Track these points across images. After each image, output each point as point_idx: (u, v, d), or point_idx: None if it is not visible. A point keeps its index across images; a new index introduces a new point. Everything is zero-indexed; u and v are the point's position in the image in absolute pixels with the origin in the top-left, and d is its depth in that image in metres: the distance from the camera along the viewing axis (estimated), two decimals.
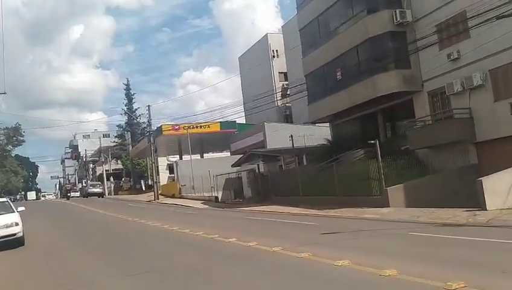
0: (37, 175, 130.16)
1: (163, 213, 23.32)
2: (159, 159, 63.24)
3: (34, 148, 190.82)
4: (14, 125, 35.33)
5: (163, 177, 62.64)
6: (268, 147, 37.32)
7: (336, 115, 26.07)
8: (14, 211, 13.83)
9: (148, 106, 37.85)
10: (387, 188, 17.61)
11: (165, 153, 54.39)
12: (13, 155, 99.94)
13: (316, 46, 26.16)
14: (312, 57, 26.58)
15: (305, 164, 28.20)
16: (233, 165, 34.77)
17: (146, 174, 63.80)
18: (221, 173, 33.30)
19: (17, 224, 13.02)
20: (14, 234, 12.89)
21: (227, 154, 51.73)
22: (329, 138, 28.12)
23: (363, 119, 25.75)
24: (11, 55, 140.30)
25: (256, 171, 28.12)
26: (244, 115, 48.34)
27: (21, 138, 35.82)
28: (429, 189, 17.67)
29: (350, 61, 23.56)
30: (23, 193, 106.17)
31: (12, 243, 12.95)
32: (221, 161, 40.98)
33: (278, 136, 38.11)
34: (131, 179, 62.22)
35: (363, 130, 26.99)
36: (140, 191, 57.17)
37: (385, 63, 21.51)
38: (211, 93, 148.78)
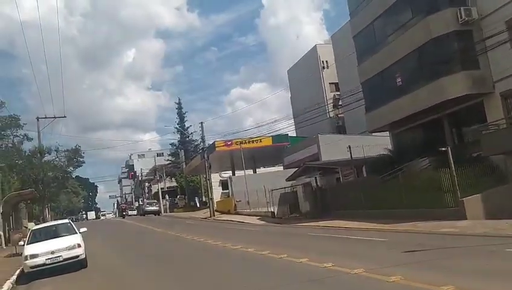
0: (96, 195, 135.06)
1: (222, 231, 22.77)
2: (212, 175, 63.72)
3: (93, 168, 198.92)
4: (74, 147, 36.62)
5: (217, 193, 62.65)
6: (323, 160, 36.23)
7: (397, 122, 24.64)
8: (76, 233, 13.73)
9: (201, 122, 37.99)
10: (463, 199, 16.10)
11: (218, 169, 54.42)
12: (74, 177, 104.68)
13: (372, 52, 25.02)
14: (368, 63, 25.44)
15: (364, 175, 26.91)
16: (287, 179, 33.87)
17: (200, 191, 64.25)
18: (276, 187, 32.49)
19: (79, 246, 12.86)
20: (77, 256, 12.72)
21: (279, 168, 50.96)
22: (390, 147, 26.74)
23: (426, 126, 24.17)
24: (69, 81, 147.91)
25: (314, 184, 27.02)
26: (294, 128, 47.44)
27: (81, 159, 37.04)
28: (510, 199, 16.03)
29: (411, 65, 22.24)
30: (84, 212, 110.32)
31: (75, 265, 12.76)
32: (274, 175, 40.22)
33: (333, 148, 36.82)
34: (185, 197, 62.70)
35: (427, 138, 25.31)
36: (195, 208, 57.39)
37: (451, 65, 20.01)
38: (258, 108, 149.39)
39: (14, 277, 12.47)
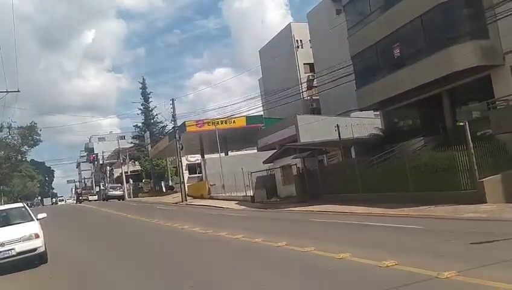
0: (53, 180, 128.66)
1: (203, 217, 20.20)
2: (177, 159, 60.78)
3: (49, 152, 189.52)
4: (29, 124, 32.70)
5: (184, 178, 60.01)
6: (301, 141, 34.35)
7: (389, 100, 22.81)
8: (32, 219, 10.94)
9: (172, 99, 35.05)
10: (483, 179, 14.38)
11: (184, 152, 50.83)
12: (28, 160, 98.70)
13: (366, 22, 23.01)
14: (361, 34, 23.40)
15: (353, 157, 25.08)
16: (265, 162, 31.81)
17: (166, 175, 61.23)
18: (251, 170, 30.31)
19: (37, 236, 10.09)
20: (35, 249, 9.97)
21: (251, 151, 48.92)
22: (380, 127, 25.04)
23: (422, 104, 22.51)
24: (24, 61, 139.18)
25: (299, 166, 24.94)
26: (262, 111, 45.13)
27: (37, 137, 33.20)
28: None
29: (413, 34, 20.36)
30: (39, 198, 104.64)
31: (32, 260, 10.05)
32: (249, 157, 38.06)
33: (312, 130, 35.16)
34: (151, 181, 59.54)
35: (423, 117, 23.82)
36: (161, 193, 54.51)
37: (459, 34, 18.21)
38: (222, 93, 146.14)
39: None
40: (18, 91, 33.99)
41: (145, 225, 18.28)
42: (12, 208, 11.94)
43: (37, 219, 11.07)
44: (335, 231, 11.64)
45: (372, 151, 21.85)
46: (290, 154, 29.87)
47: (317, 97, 52.71)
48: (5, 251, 9.57)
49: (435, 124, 21.60)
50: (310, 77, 53.61)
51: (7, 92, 33.70)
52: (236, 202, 28.62)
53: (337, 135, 29.29)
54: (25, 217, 11.03)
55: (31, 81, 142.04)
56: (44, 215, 11.53)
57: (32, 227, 10.38)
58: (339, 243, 9.11)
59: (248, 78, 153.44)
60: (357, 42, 23.83)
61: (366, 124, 30.91)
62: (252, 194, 28.78)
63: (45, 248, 10.33)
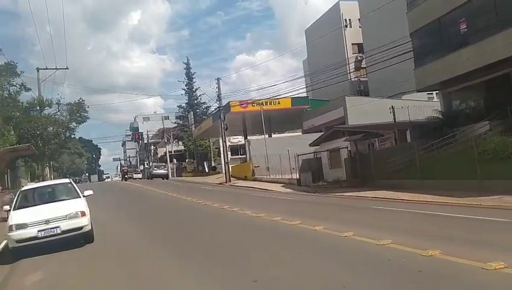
0: (99, 157, 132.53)
1: (251, 199, 19.40)
2: (220, 140, 60.41)
3: (96, 131, 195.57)
4: (77, 101, 33.10)
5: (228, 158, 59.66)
6: (349, 124, 32.91)
7: (453, 80, 20.99)
8: (79, 196, 10.48)
9: (218, 78, 34.21)
10: None
11: (227, 133, 50.29)
12: (77, 138, 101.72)
13: None
14: (423, 9, 21.59)
15: (408, 141, 23.53)
16: (311, 145, 30.63)
17: (209, 156, 61.18)
18: (297, 153, 29.26)
19: (83, 214, 9.60)
20: (80, 228, 9.49)
21: (296, 133, 47.79)
22: (439, 109, 23.30)
23: (488, 85, 20.64)
24: (73, 41, 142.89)
25: (350, 150, 23.67)
26: (306, 91, 43.60)
27: (85, 114, 33.50)
28: None
29: (482, 8, 18.46)
30: (87, 174, 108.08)
31: (77, 239, 9.58)
32: (294, 139, 36.96)
33: (361, 112, 33.59)
34: (194, 161, 59.63)
35: (488, 99, 21.89)
36: (204, 173, 54.44)
37: None
38: (264, 75, 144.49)
39: None
40: (67, 68, 34.46)
41: (193, 205, 17.60)
42: (58, 184, 11.56)
43: (84, 196, 10.62)
44: (407, 222, 10.33)
45: (431, 136, 20.32)
46: (338, 137, 28.59)
47: (366, 79, 50.80)
48: (50, 228, 9.12)
49: (501, 107, 19.75)
50: (358, 58, 51.54)
51: (56, 69, 34.29)
52: (282, 184, 27.75)
53: (390, 118, 27.80)
54: (71, 194, 10.59)
55: (79, 61, 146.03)
56: (90, 192, 11.03)
57: (79, 204, 9.91)
58: (418, 236, 7.94)
59: (290, 60, 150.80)
60: (417, 18, 22.05)
61: (421, 106, 29.13)
62: (297, 177, 27.79)
63: (91, 227, 9.84)
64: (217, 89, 33.60)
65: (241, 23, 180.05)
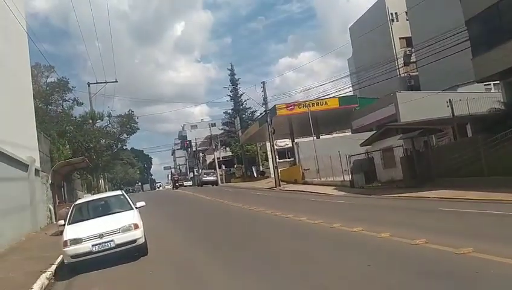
0: (151, 166, 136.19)
1: (305, 204, 18.71)
2: (267, 144, 60.02)
3: (147, 141, 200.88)
4: (127, 112, 33.80)
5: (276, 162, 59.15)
6: (402, 121, 31.50)
7: None
8: (132, 208, 10.31)
9: (263, 82, 33.85)
10: None
11: (274, 137, 49.84)
12: (129, 148, 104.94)
13: None
14: None
15: (469, 135, 22.08)
16: (362, 145, 29.45)
17: (257, 160, 60.99)
18: (348, 153, 28.25)
19: (137, 226, 9.38)
20: (134, 241, 9.26)
21: (344, 134, 46.64)
22: (501, 100, 21.71)
23: None
24: (121, 56, 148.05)
25: (406, 148, 22.47)
26: (352, 90, 42.30)
27: (135, 125, 34.15)
28: None
29: None
30: (140, 184, 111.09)
31: (131, 252, 9.36)
32: (344, 140, 35.88)
33: (414, 108, 32.10)
34: (242, 166, 59.62)
35: None
36: (252, 178, 54.27)
37: None
38: (308, 77, 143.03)
39: (53, 268, 9.23)
40: (116, 81, 35.30)
41: (246, 213, 16.95)
42: (110, 197, 11.47)
43: (136, 208, 10.43)
44: (481, 225, 9.28)
45: (494, 129, 18.87)
46: (391, 136, 27.35)
47: (416, 73, 48.79)
48: (104, 242, 8.96)
49: None
50: (407, 52, 49.69)
51: (106, 82, 35.22)
52: (334, 187, 26.87)
53: (446, 112, 26.28)
54: (124, 206, 10.44)
55: (128, 75, 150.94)
56: (143, 203, 10.81)
57: (132, 216, 9.72)
58: (500, 242, 7.09)
59: (334, 60, 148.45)
60: (473, 4, 20.67)
61: (479, 98, 27.39)
62: (350, 179, 26.82)
63: (145, 239, 9.61)
64: (262, 93, 33.20)
65: (282, 26, 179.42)
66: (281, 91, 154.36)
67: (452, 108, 21.95)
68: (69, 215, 10.26)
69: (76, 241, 8.98)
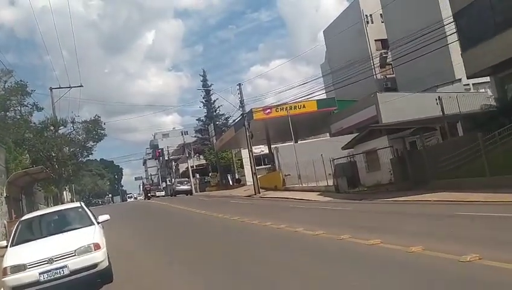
0: (122, 177, 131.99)
1: (293, 212, 16.92)
2: (242, 151, 58.23)
3: (117, 152, 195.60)
4: (93, 118, 31.27)
5: (247, 169, 57.34)
6: (383, 122, 30.43)
7: (508, 62, 18.41)
8: (92, 223, 8.33)
9: (239, 84, 32.15)
10: None
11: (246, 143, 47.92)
12: (96, 158, 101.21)
13: None
14: None
15: (460, 134, 20.97)
16: (344, 148, 28.24)
17: (232, 168, 59.10)
18: (328, 157, 26.86)
19: (97, 247, 7.36)
20: (95, 265, 7.25)
21: (322, 138, 45.50)
22: (491, 96, 20.77)
23: None
24: (91, 66, 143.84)
25: (397, 149, 21.17)
26: (325, 92, 41.12)
27: (102, 132, 31.56)
28: None
29: None
30: (110, 195, 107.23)
31: (90, 280, 7.37)
32: (324, 144, 34.59)
33: (394, 109, 31.16)
34: (218, 174, 57.61)
35: None
36: (228, 186, 52.34)
37: None
38: (279, 85, 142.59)
39: None
40: (81, 86, 32.90)
41: (230, 224, 14.88)
42: (66, 209, 9.32)
43: (98, 223, 8.46)
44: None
45: (486, 127, 17.80)
46: (374, 138, 26.24)
47: (392, 75, 48.26)
48: (55, 269, 6.94)
49: None
50: (383, 54, 49.07)
51: (70, 87, 32.77)
52: (318, 193, 25.33)
53: (428, 113, 25.34)
54: (83, 221, 8.42)
55: (97, 84, 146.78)
56: (106, 217, 8.81)
57: (91, 234, 7.70)
58: None
59: (305, 68, 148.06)
60: None
61: (465, 96, 26.58)
62: (335, 184, 25.36)
63: (109, 262, 7.65)
64: (236, 98, 31.52)
65: (252, 35, 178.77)
66: (253, 98, 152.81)
67: (442, 106, 20.79)
68: (12, 234, 8.18)
69: (18, 268, 6.95)
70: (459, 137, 20.23)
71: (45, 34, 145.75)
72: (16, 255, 7.31)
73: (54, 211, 9.29)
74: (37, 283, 6.89)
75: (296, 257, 7.90)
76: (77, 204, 9.46)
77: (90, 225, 8.22)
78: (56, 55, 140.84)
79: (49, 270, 6.93)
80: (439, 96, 21.68)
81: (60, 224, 8.48)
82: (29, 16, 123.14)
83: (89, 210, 8.97)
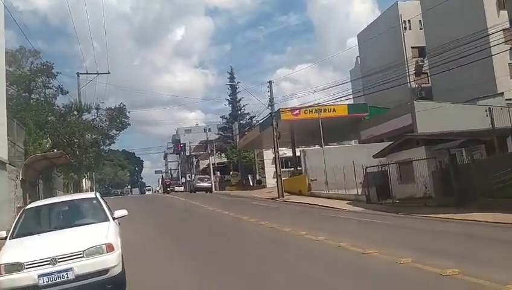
0: (142, 170, 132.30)
1: (327, 221, 15.38)
2: (264, 152, 56.93)
3: (139, 144, 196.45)
4: (118, 106, 30.34)
5: (269, 172, 55.96)
6: (419, 132, 28.72)
7: None
8: (107, 219, 7.10)
9: (270, 81, 30.76)
10: None
11: (270, 144, 46.33)
12: (118, 148, 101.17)
13: None
14: None
15: (510, 150, 19.19)
16: (375, 156, 26.70)
17: (254, 168, 57.88)
18: (358, 164, 25.38)
19: (111, 248, 6.10)
20: (106, 271, 5.99)
21: (354, 144, 43.96)
22: None
23: None
24: (121, 56, 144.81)
25: (440, 161, 19.50)
26: (352, 98, 39.34)
27: (125, 120, 30.58)
28: None
29: None
30: (129, 187, 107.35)
31: (102, 285, 6.11)
32: (354, 150, 33.10)
33: (431, 119, 29.46)
34: (239, 173, 56.44)
35: None
36: (249, 187, 51.09)
37: None
38: (305, 89, 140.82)
39: None
40: (108, 73, 32.16)
41: (256, 229, 13.24)
42: (79, 200, 8.01)
43: (114, 218, 7.23)
44: None
45: None
46: (409, 148, 24.69)
47: (428, 85, 46.29)
48: (57, 272, 5.72)
49: None
50: (419, 62, 47.14)
51: (98, 73, 32.06)
52: (347, 201, 23.83)
53: (467, 126, 23.73)
54: (97, 215, 7.18)
55: (125, 76, 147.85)
56: (124, 212, 7.54)
57: (105, 232, 6.44)
58: None
59: (331, 74, 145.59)
60: None
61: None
62: (366, 193, 23.82)
63: (122, 268, 6.39)
64: (268, 94, 30.19)
65: (280, 37, 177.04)
66: (278, 99, 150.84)
67: (492, 118, 19.00)
68: (14, 224, 7.01)
69: (15, 267, 5.76)
70: (506, 153, 18.44)
71: (77, 24, 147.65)
72: (14, 250, 6.13)
73: (65, 201, 7.99)
74: (34, 287, 5.68)
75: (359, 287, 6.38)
76: (92, 194, 8.21)
77: (105, 221, 6.98)
78: (87, 46, 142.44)
79: (50, 273, 5.71)
80: (489, 108, 19.88)
81: (69, 217, 7.27)
82: (63, 5, 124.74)
83: (105, 202, 7.74)
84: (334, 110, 36.51)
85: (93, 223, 6.93)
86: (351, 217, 16.62)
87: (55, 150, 24.00)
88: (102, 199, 7.80)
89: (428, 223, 13.45)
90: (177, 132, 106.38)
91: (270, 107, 29.52)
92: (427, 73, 45.22)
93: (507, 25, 24.52)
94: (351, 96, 38.70)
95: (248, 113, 65.43)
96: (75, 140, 27.71)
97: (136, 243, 10.01)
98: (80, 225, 6.89)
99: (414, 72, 45.43)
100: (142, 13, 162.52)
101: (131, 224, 10.82)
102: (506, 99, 34.15)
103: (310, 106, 35.96)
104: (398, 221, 14.42)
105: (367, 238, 9.72)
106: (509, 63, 37.02)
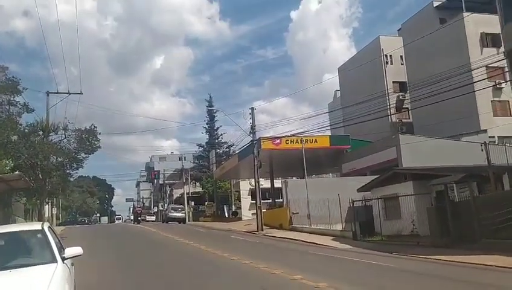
0: (112, 197, 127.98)
1: (320, 262, 13.66)
2: (241, 182, 55.24)
3: (111, 171, 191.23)
4: (88, 127, 28.13)
5: (245, 203, 54.19)
6: (404, 166, 27.85)
7: None
8: (53, 260, 5.33)
9: (252, 108, 29.45)
10: None
11: (248, 175, 44.50)
12: (90, 176, 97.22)
13: None
14: None
15: (506, 188, 18.17)
16: (360, 190, 25.71)
17: (230, 199, 55.94)
18: (340, 198, 24.10)
19: None
20: None
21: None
22: None
23: None
24: (98, 84, 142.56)
25: (434, 196, 18.30)
26: (330, 129, 38.55)
27: (96, 143, 28.26)
28: None
29: None
30: (98, 215, 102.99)
31: None
32: (337, 183, 32.02)
33: (416, 153, 28.78)
34: (214, 204, 54.41)
35: None
36: (224, 219, 49.01)
37: None
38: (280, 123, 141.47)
39: None
40: (81, 93, 30.32)
41: (244, 270, 11.12)
42: (18, 232, 6.14)
43: (64, 259, 5.47)
44: None
45: None
46: (395, 182, 23.78)
47: (409, 120, 46.08)
48: None
49: None
50: (400, 97, 47.02)
51: (69, 93, 30.16)
52: (332, 237, 22.32)
53: (453, 161, 23.03)
54: (40, 254, 5.42)
55: (102, 102, 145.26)
56: (78, 250, 5.70)
57: (46, 280, 4.62)
58: None
59: (307, 108, 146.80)
60: None
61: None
62: (352, 229, 22.42)
63: None
64: (250, 121, 28.87)
65: (258, 70, 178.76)
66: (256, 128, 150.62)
67: (488, 154, 18.01)
68: None
69: None
70: (503, 192, 17.41)
71: (54, 49, 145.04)
72: None
73: (2, 233, 6.21)
74: None
75: None
76: (37, 226, 6.26)
77: (51, 262, 5.22)
78: (62, 70, 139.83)
79: None
80: (485, 142, 19.00)
81: (2, 255, 5.49)
82: (39, 28, 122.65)
83: (55, 236, 5.98)
84: (316, 141, 35.48)
85: (34, 264, 5.16)
86: (339, 255, 15.00)
87: (16, 172, 21.79)
88: (52, 231, 6.02)
89: (433, 267, 11.95)
90: (151, 160, 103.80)
91: (251, 135, 28.09)
92: (407, 108, 45.14)
93: (490, 62, 24.37)
94: (329, 128, 37.85)
95: (226, 142, 64.22)
96: (38, 162, 25.41)
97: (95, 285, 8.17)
98: (15, 267, 5.09)
99: (395, 106, 45.27)
100: (121, 41, 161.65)
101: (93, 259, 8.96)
102: (489, 137, 33.88)
103: (291, 135, 34.81)
104: (398, 263, 12.89)
105: (379, 287, 8.12)
106: (492, 101, 37.02)
